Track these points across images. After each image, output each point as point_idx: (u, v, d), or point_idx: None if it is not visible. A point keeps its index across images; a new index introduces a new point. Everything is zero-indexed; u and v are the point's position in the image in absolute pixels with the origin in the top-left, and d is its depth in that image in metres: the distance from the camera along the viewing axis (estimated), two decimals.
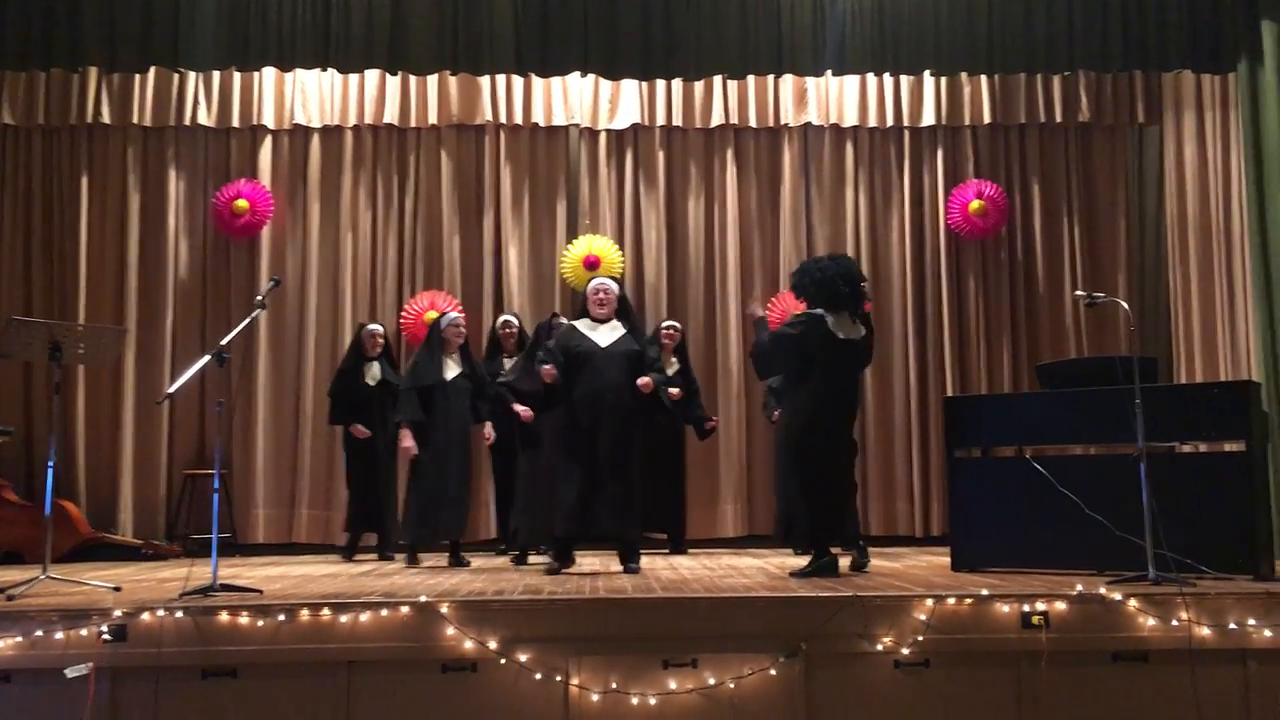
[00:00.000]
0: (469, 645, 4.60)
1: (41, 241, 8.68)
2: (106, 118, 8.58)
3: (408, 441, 6.83)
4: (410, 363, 7.22)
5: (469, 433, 7.05)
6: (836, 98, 8.97)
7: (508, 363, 7.66)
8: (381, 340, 7.75)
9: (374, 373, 7.61)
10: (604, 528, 6.07)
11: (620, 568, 6.12)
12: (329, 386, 7.91)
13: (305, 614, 4.63)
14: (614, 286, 6.32)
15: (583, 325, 6.23)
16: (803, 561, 5.99)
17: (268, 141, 8.90)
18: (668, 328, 7.85)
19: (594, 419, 6.00)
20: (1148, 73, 8.59)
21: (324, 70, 8.15)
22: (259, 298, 5.79)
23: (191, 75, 8.55)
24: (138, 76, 8.48)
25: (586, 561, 6.64)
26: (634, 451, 6.11)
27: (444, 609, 4.65)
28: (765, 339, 5.97)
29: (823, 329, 5.81)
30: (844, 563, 6.05)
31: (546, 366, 6.04)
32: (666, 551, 7.77)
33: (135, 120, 8.63)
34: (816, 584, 5.33)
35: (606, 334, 6.19)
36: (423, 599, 4.69)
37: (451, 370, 6.97)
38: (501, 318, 8.00)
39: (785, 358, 5.89)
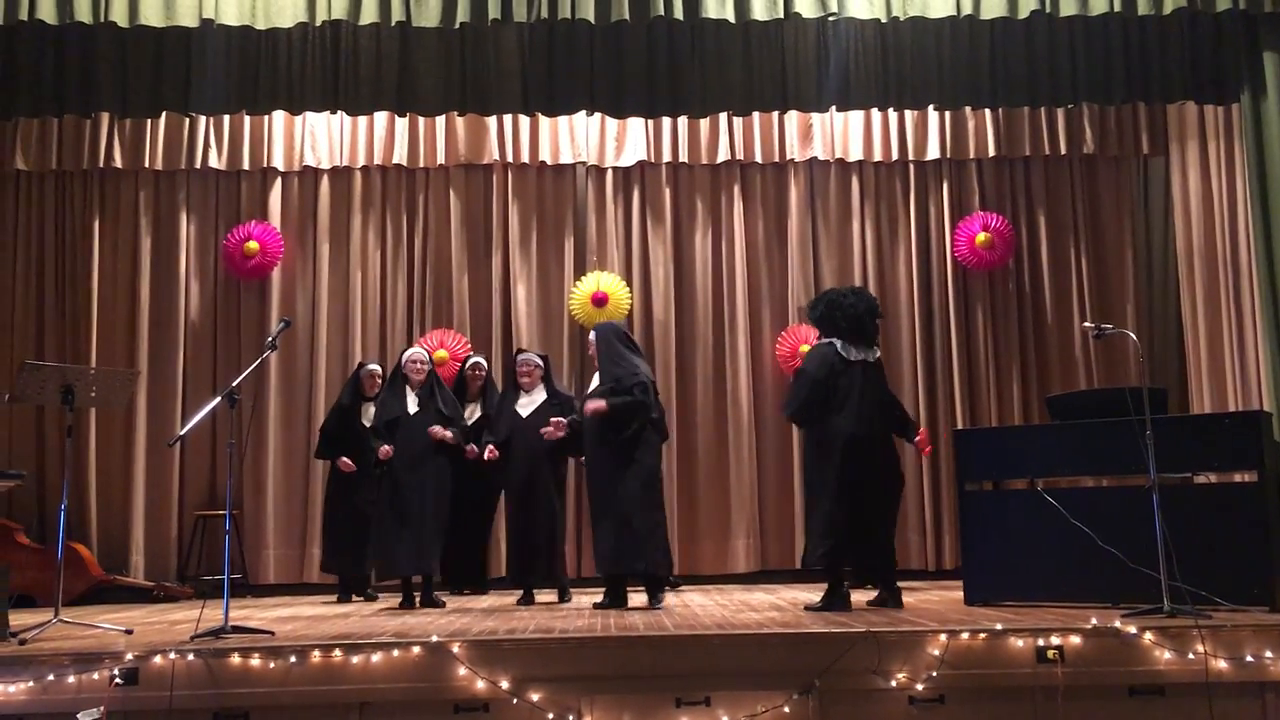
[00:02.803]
0: (481, 685, 4.59)
1: (54, 285, 8.75)
2: (118, 162, 8.68)
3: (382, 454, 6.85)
4: (377, 402, 7.22)
5: (435, 467, 6.84)
6: (841, 133, 9.03)
7: (468, 406, 7.57)
8: (379, 380, 7.69)
9: (370, 414, 7.57)
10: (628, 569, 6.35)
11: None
12: (322, 422, 7.89)
13: (317, 655, 4.63)
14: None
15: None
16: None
17: (278, 183, 8.98)
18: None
19: (589, 463, 6.46)
20: (1151, 104, 8.62)
21: (333, 113, 8.21)
22: (270, 339, 5.83)
23: (202, 119, 8.63)
24: (149, 121, 8.57)
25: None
26: (619, 488, 6.26)
27: (456, 649, 4.64)
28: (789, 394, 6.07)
29: (831, 352, 5.97)
30: (862, 597, 6.02)
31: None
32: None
33: (147, 164, 8.72)
34: (829, 620, 5.31)
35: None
36: (434, 639, 4.69)
37: (414, 405, 6.90)
38: (472, 359, 7.88)
39: (810, 392, 5.91)
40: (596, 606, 6.31)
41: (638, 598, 6.46)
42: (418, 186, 9.05)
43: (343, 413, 7.63)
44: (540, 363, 7.22)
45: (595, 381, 6.62)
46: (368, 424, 7.50)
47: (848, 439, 5.87)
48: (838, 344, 6.00)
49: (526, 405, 7.01)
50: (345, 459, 7.46)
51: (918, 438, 6.30)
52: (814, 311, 6.26)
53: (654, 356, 8.75)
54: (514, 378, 7.21)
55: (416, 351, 7.14)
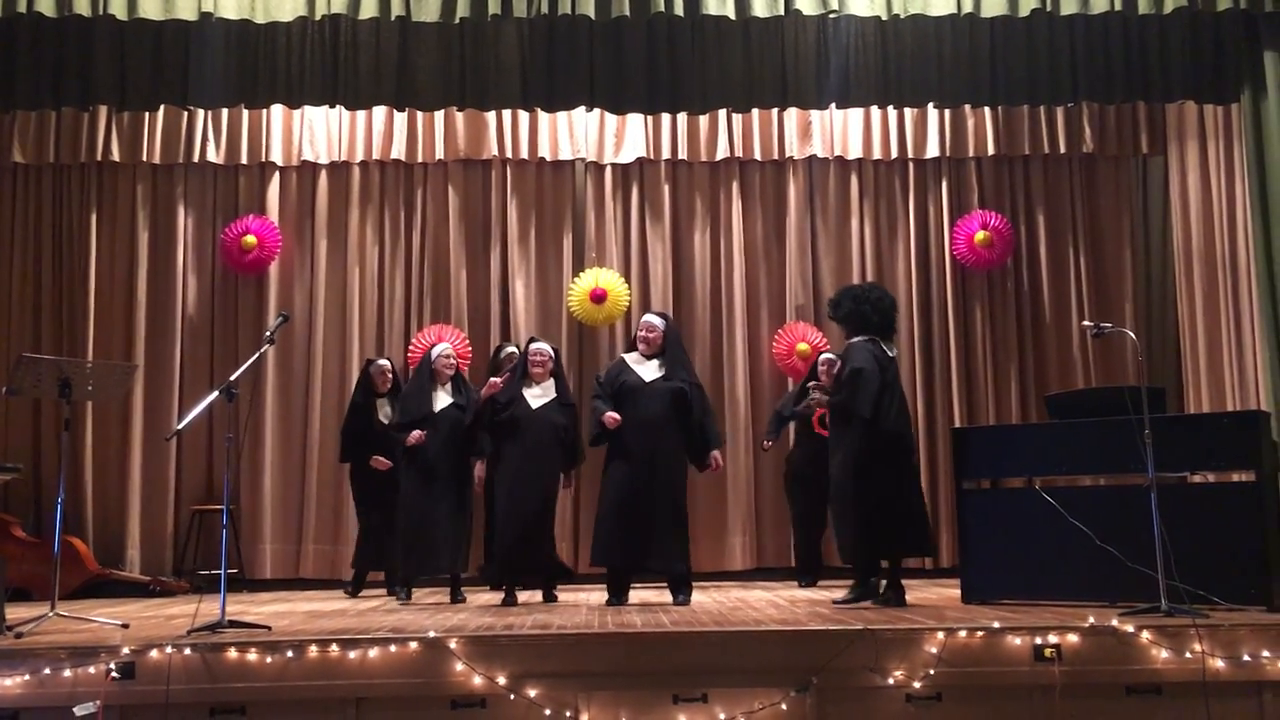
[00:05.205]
0: (478, 681, 4.58)
1: (51, 278, 8.74)
2: (116, 155, 8.66)
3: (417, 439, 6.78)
4: (399, 400, 7.16)
5: (463, 463, 6.91)
6: (841, 130, 9.03)
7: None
8: (390, 376, 7.69)
9: (385, 410, 7.54)
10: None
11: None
12: (342, 424, 7.86)
13: (314, 650, 4.62)
14: (550, 351, 6.84)
15: (631, 358, 6.57)
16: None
17: (276, 178, 8.96)
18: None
19: (648, 451, 6.30)
20: (1151, 103, 8.62)
21: (332, 107, 8.22)
22: (267, 333, 5.82)
23: (201, 113, 8.63)
24: (147, 115, 8.56)
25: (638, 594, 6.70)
26: (676, 490, 6.38)
27: (453, 644, 4.64)
28: (841, 397, 5.99)
29: (876, 348, 5.99)
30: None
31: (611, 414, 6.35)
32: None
33: (145, 158, 8.71)
34: (827, 617, 5.31)
35: (649, 370, 6.50)
36: (431, 635, 4.68)
37: (442, 401, 6.88)
38: (507, 349, 7.87)
39: (876, 389, 5.90)
40: (611, 604, 6.28)
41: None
42: (416, 181, 9.04)
43: (359, 411, 7.61)
44: (552, 354, 6.86)
45: (648, 365, 6.52)
46: (385, 420, 7.48)
47: (895, 435, 5.93)
48: (879, 341, 6.02)
49: (537, 397, 6.67)
50: (380, 458, 7.36)
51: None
52: (839, 309, 6.18)
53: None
54: (523, 364, 6.82)
55: (447, 347, 7.12)
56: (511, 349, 7.76)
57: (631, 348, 6.70)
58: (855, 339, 6.06)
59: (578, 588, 7.42)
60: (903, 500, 5.93)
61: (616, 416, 6.32)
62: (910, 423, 6.19)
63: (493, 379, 6.75)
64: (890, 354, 6.02)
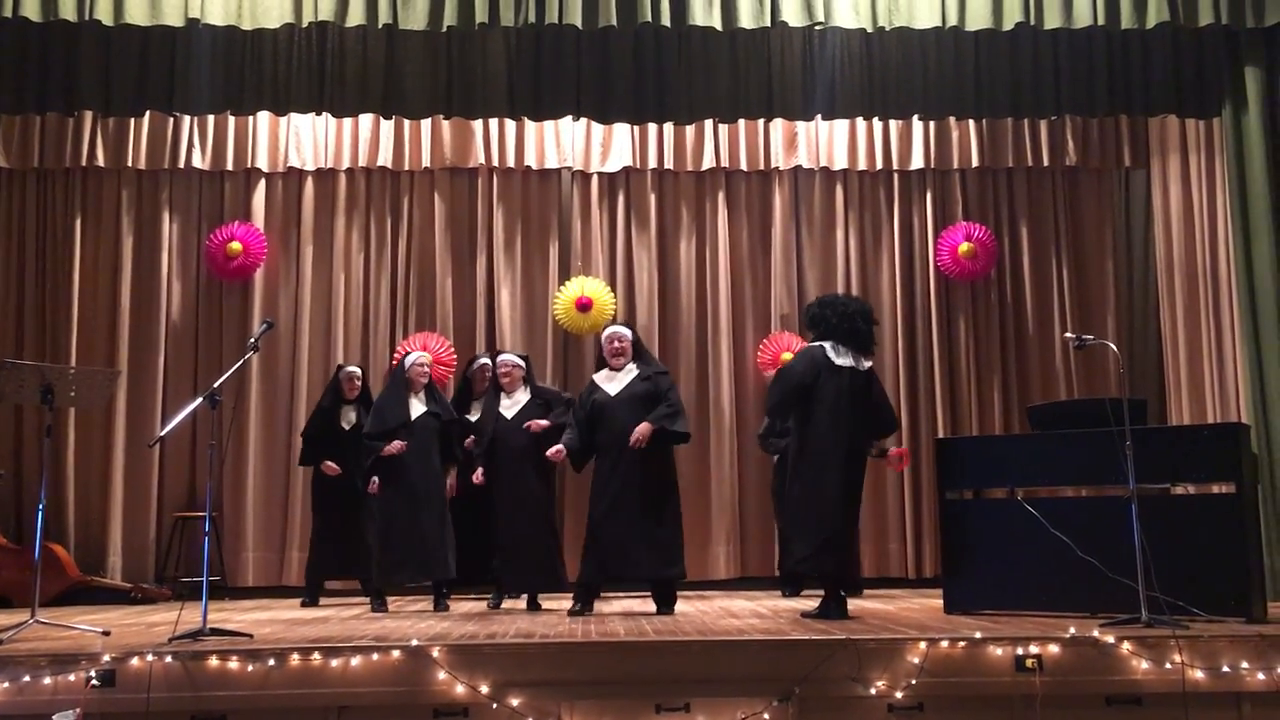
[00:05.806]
0: (461, 690, 4.58)
1: (35, 284, 8.69)
2: (101, 161, 8.63)
3: (374, 489, 6.84)
4: (373, 409, 7.15)
5: (439, 470, 6.94)
6: (826, 141, 9.06)
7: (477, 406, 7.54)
8: (359, 384, 7.69)
9: (350, 417, 7.56)
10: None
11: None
12: (304, 427, 7.87)
13: (295, 658, 4.61)
14: (517, 360, 7.09)
15: (600, 377, 6.65)
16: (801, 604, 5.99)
17: (262, 184, 8.94)
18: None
19: (625, 465, 6.34)
20: (1133, 117, 8.68)
21: (318, 114, 8.19)
22: (252, 340, 5.81)
23: (186, 119, 8.59)
24: (133, 120, 8.52)
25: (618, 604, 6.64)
26: (654, 495, 6.38)
27: (435, 653, 4.63)
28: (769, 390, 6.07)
29: (820, 354, 5.94)
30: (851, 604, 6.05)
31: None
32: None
33: (130, 163, 8.68)
34: (810, 627, 5.33)
35: (619, 382, 6.57)
36: (414, 643, 4.68)
37: (417, 409, 6.92)
38: (480, 360, 7.81)
39: (792, 390, 5.91)
40: (573, 614, 6.23)
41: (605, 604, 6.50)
42: (402, 189, 9.03)
43: (324, 415, 7.61)
44: (520, 363, 7.09)
45: (625, 371, 6.59)
46: (346, 427, 7.50)
47: (827, 446, 5.83)
48: (827, 346, 5.97)
49: (510, 407, 6.92)
50: (329, 463, 7.45)
51: (890, 453, 6.36)
52: (807, 313, 6.27)
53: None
54: (495, 380, 7.11)
55: (422, 356, 7.17)
56: (484, 360, 7.76)
57: (600, 366, 6.76)
58: (810, 344, 6.12)
59: (561, 596, 7.39)
60: (823, 520, 5.77)
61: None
62: (846, 439, 5.84)
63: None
64: (838, 361, 5.90)
